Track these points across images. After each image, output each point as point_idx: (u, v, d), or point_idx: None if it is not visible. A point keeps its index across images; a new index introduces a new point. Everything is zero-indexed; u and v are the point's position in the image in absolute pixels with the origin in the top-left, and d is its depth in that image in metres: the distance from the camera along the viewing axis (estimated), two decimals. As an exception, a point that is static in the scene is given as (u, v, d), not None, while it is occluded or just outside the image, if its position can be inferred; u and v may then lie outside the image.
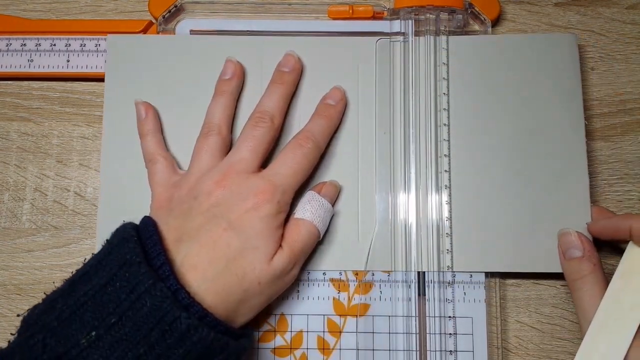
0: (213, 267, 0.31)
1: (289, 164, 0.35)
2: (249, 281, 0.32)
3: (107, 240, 0.31)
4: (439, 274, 0.37)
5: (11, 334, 0.29)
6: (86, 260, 0.31)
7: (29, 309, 0.29)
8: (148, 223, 0.32)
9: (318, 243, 0.37)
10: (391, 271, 0.38)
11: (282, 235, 0.34)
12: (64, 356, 0.27)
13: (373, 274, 0.38)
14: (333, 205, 0.37)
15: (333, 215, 0.38)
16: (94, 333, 0.27)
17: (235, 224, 0.32)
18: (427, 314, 0.36)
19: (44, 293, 0.30)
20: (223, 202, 0.33)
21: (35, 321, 0.28)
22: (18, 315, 0.29)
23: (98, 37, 0.41)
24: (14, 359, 0.27)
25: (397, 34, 0.40)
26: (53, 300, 0.29)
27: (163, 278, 0.29)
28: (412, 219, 0.38)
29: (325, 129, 0.37)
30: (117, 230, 0.32)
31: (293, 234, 0.34)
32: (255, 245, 0.32)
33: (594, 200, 0.40)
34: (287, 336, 0.37)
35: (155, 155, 0.37)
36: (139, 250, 0.29)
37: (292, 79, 0.39)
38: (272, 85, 0.38)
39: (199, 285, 0.31)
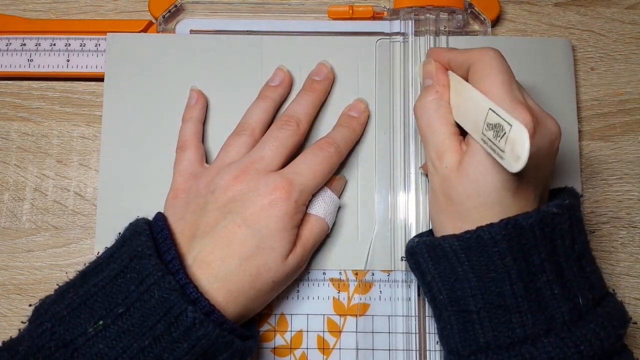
0: (226, 264, 0.31)
1: (309, 165, 0.34)
2: (262, 281, 0.32)
3: (120, 233, 0.32)
4: (438, 274, 0.37)
5: (22, 322, 0.30)
6: (99, 254, 0.31)
7: (40, 299, 0.30)
8: (158, 218, 0.33)
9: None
10: (391, 271, 0.38)
11: (297, 234, 0.34)
12: (71, 344, 0.27)
13: (373, 274, 0.38)
14: (339, 197, 0.38)
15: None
16: (101, 322, 0.28)
17: (250, 220, 0.32)
18: (427, 314, 0.36)
19: (56, 284, 0.31)
20: (239, 197, 0.33)
21: (46, 310, 0.29)
22: (30, 305, 0.30)
23: (98, 37, 0.41)
24: (23, 346, 0.28)
25: (397, 34, 0.40)
26: (64, 291, 0.30)
27: (172, 272, 0.30)
28: (412, 219, 0.38)
29: (347, 138, 0.37)
30: (130, 224, 0.32)
31: (306, 231, 0.35)
32: (271, 246, 0.32)
33: (594, 201, 0.40)
34: (287, 336, 0.37)
35: (188, 143, 0.37)
36: (150, 243, 0.30)
37: (323, 88, 0.39)
38: (301, 92, 0.38)
39: (210, 282, 0.31)
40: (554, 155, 0.32)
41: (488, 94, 0.30)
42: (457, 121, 0.32)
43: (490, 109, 0.28)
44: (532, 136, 0.28)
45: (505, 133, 0.27)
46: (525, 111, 0.29)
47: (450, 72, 0.34)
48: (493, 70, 0.30)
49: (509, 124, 0.27)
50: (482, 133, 0.29)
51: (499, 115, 0.28)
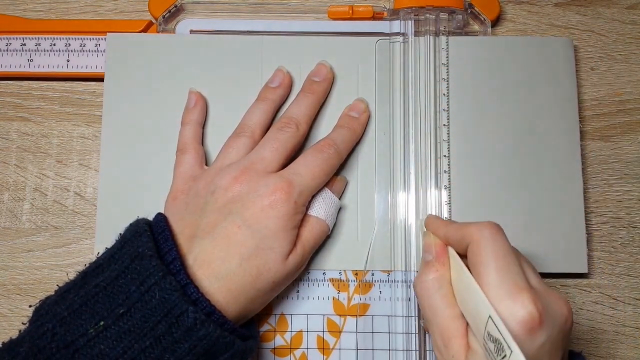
0: (226, 265, 0.31)
1: (309, 166, 0.34)
2: (263, 281, 0.32)
3: (120, 234, 0.32)
4: (438, 274, 0.37)
5: (22, 323, 0.30)
6: (99, 254, 0.31)
7: (41, 300, 0.30)
8: (159, 219, 0.33)
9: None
10: (391, 271, 0.38)
11: (297, 235, 0.34)
12: (72, 345, 0.27)
13: (373, 274, 0.38)
14: (339, 198, 0.38)
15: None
16: (102, 323, 0.28)
17: (250, 221, 0.32)
18: (426, 314, 0.36)
19: (57, 285, 0.30)
20: (239, 198, 0.33)
21: (47, 311, 0.29)
22: (30, 306, 0.30)
23: (98, 37, 0.41)
24: (24, 347, 0.28)
25: (397, 34, 0.40)
26: (65, 292, 0.30)
27: (173, 272, 0.30)
28: (412, 219, 0.38)
29: (347, 139, 0.37)
30: (131, 225, 0.32)
31: (306, 233, 0.35)
32: (271, 246, 0.32)
33: (594, 201, 0.40)
34: (287, 336, 0.37)
35: (187, 145, 0.37)
36: (151, 244, 0.30)
37: (322, 89, 0.39)
38: (301, 93, 0.38)
39: (211, 283, 0.31)
40: (566, 336, 0.29)
41: (484, 284, 0.28)
42: (459, 306, 0.30)
43: (490, 317, 0.26)
44: (539, 327, 0.27)
45: (505, 356, 0.25)
46: (527, 301, 0.27)
47: (450, 250, 0.32)
48: (488, 255, 0.28)
49: (509, 347, 0.25)
50: (484, 339, 0.27)
51: (498, 330, 0.25)
